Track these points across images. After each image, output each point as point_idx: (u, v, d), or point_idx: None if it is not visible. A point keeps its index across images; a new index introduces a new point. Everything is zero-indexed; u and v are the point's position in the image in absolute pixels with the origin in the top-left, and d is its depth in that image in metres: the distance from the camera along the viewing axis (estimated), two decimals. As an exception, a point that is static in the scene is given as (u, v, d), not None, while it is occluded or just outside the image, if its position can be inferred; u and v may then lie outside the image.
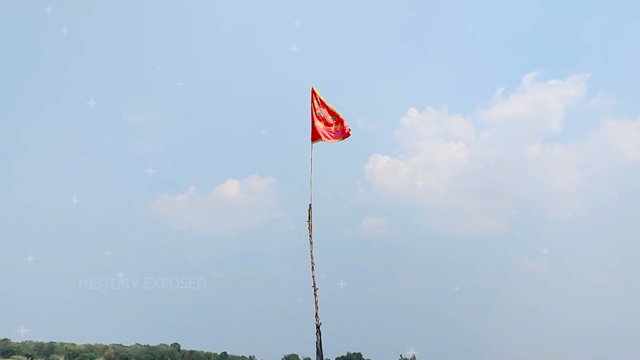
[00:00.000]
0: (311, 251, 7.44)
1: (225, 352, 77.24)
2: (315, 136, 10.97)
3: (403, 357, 77.47)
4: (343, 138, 10.74)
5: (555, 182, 74.99)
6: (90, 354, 70.60)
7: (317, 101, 10.93)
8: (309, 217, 7.70)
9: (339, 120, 10.88)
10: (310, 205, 7.69)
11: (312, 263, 7.38)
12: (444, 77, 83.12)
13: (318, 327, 6.69)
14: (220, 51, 76.24)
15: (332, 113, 10.93)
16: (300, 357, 74.97)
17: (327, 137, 10.91)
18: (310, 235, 7.59)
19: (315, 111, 10.89)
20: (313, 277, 7.10)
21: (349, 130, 10.58)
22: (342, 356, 79.74)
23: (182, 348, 76.36)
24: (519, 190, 75.37)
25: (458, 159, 75.25)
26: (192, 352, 75.29)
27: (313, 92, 11.05)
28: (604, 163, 74.01)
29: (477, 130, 77.43)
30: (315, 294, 6.98)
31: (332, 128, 11.08)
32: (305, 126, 10.99)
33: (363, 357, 80.00)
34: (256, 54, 77.50)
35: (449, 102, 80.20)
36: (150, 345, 74.31)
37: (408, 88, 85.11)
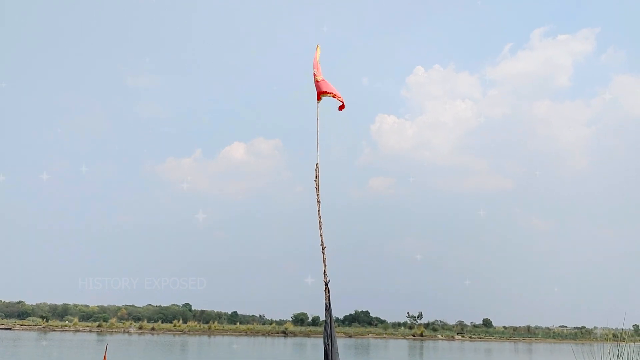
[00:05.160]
0: (319, 210, 7.43)
1: (235, 312, 78.93)
2: (320, 95, 10.77)
3: (410, 314, 78.91)
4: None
5: (563, 139, 74.53)
6: (104, 315, 72.28)
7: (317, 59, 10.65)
8: (316, 177, 7.68)
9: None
10: (317, 164, 7.66)
11: (320, 222, 7.39)
12: (451, 34, 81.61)
13: (326, 285, 6.76)
14: (226, 12, 74.98)
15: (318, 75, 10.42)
16: (309, 315, 76.49)
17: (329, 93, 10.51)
18: (317, 195, 7.58)
19: (318, 69, 10.66)
20: (321, 235, 7.13)
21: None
22: (350, 314, 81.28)
23: (193, 308, 78.06)
24: (526, 147, 75.01)
25: (465, 117, 74.68)
26: (203, 312, 76.92)
27: (317, 50, 10.82)
28: (613, 119, 73.30)
29: (485, 87, 76.54)
30: (323, 252, 7.03)
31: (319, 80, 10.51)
32: (309, 86, 10.82)
33: (370, 314, 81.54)
34: (261, 14, 76.22)
35: (456, 59, 79.04)
36: (162, 305, 76.00)
37: (414, 46, 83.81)
